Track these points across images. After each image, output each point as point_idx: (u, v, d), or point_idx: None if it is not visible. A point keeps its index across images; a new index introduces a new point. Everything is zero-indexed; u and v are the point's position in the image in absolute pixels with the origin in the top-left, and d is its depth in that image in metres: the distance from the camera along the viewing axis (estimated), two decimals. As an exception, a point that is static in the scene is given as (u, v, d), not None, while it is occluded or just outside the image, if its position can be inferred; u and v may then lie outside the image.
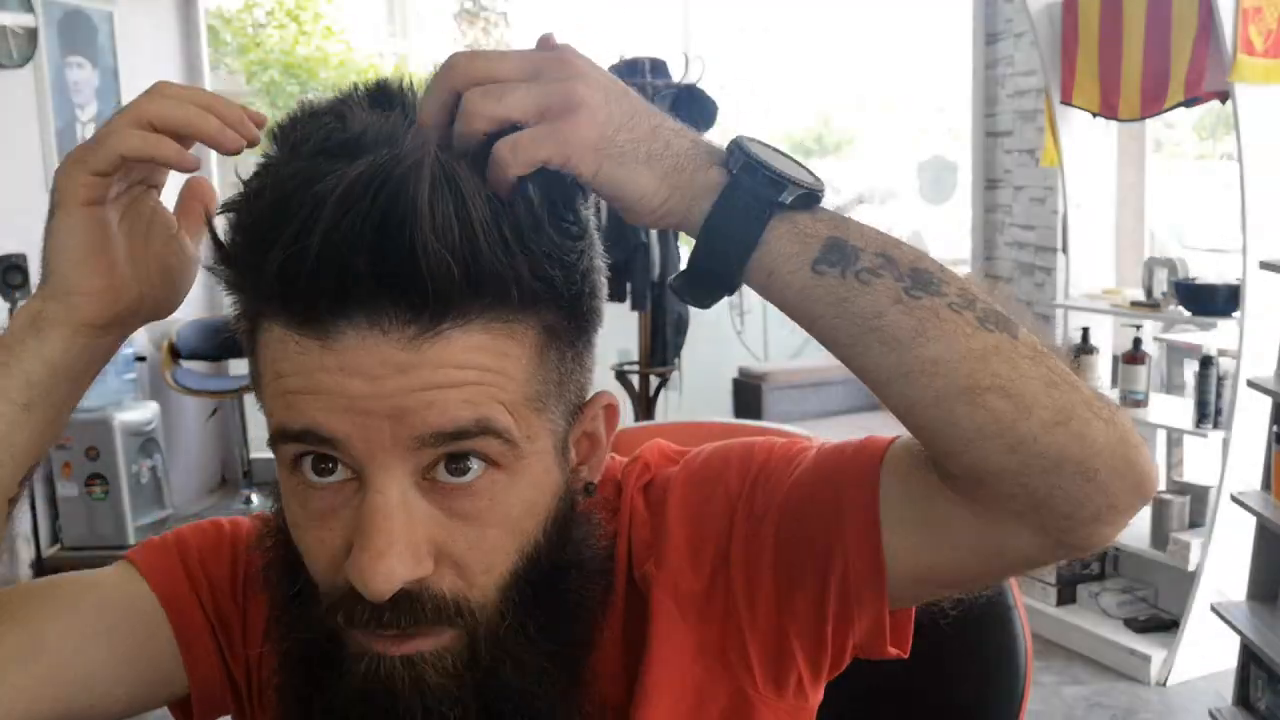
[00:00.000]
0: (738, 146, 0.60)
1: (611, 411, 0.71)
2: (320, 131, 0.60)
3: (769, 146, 0.61)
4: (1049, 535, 0.62)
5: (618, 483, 0.77)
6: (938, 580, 0.68)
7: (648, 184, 0.59)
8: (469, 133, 0.59)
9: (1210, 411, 3.17)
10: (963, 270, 0.62)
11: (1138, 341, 3.43)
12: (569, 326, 0.64)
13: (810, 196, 0.60)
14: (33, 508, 3.81)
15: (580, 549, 0.68)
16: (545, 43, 0.62)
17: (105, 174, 0.62)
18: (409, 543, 0.59)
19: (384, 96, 0.63)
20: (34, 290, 0.66)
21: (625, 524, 0.74)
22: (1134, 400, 3.44)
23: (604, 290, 0.68)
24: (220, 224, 0.63)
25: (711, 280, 0.61)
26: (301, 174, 0.57)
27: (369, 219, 0.55)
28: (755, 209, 0.59)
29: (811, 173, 0.61)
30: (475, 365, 0.59)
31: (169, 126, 0.63)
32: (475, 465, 0.61)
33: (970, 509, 0.63)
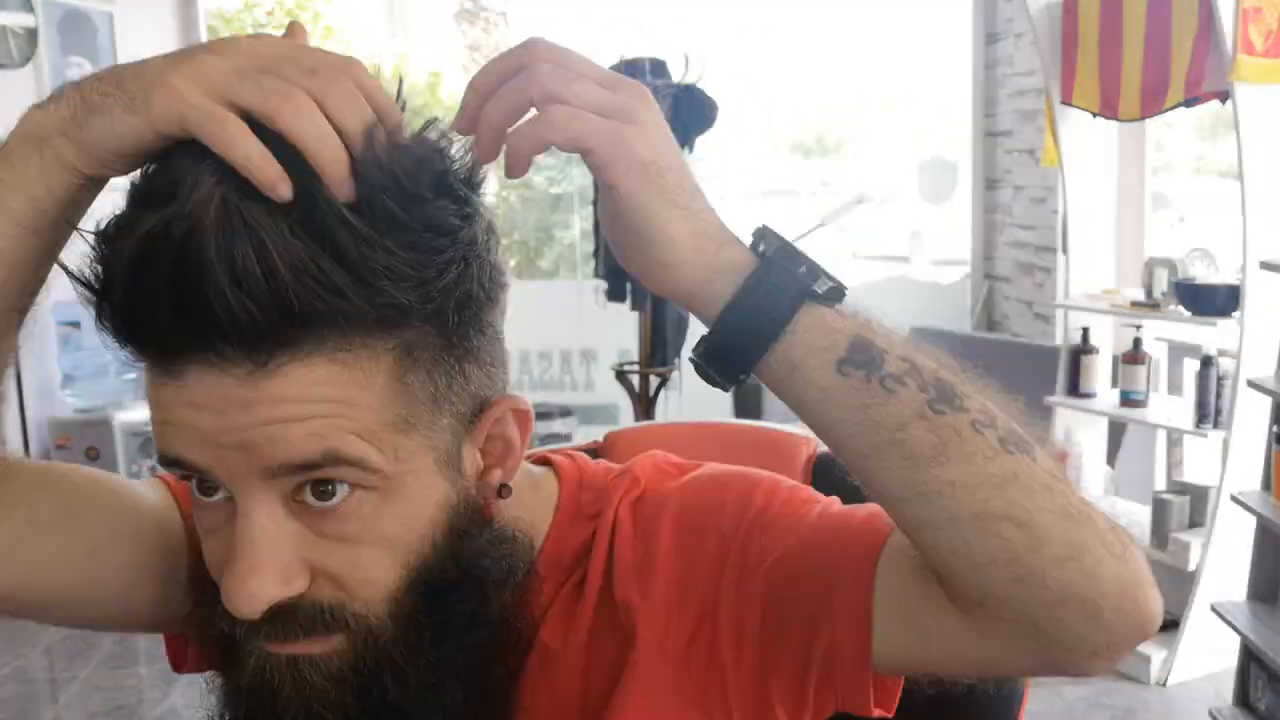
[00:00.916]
0: (768, 231, 0.59)
1: (521, 415, 0.69)
2: (144, 176, 0.59)
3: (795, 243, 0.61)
4: (1043, 660, 0.61)
5: (601, 490, 0.76)
6: (924, 672, 0.67)
7: (678, 232, 0.57)
8: (519, 100, 0.57)
9: (1210, 411, 3.17)
10: (979, 384, 0.61)
11: (1138, 341, 3.43)
12: (437, 341, 0.62)
13: (838, 291, 0.59)
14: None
15: (478, 560, 0.67)
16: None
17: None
18: (275, 565, 0.60)
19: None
20: (51, 98, 0.61)
21: (607, 535, 0.74)
22: (1134, 400, 3.44)
23: (494, 291, 0.65)
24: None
25: (727, 364, 0.59)
26: (107, 229, 0.58)
27: (161, 275, 0.55)
28: (786, 295, 0.57)
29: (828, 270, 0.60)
30: (318, 398, 0.58)
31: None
32: (341, 489, 0.60)
33: (968, 624, 0.62)
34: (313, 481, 0.60)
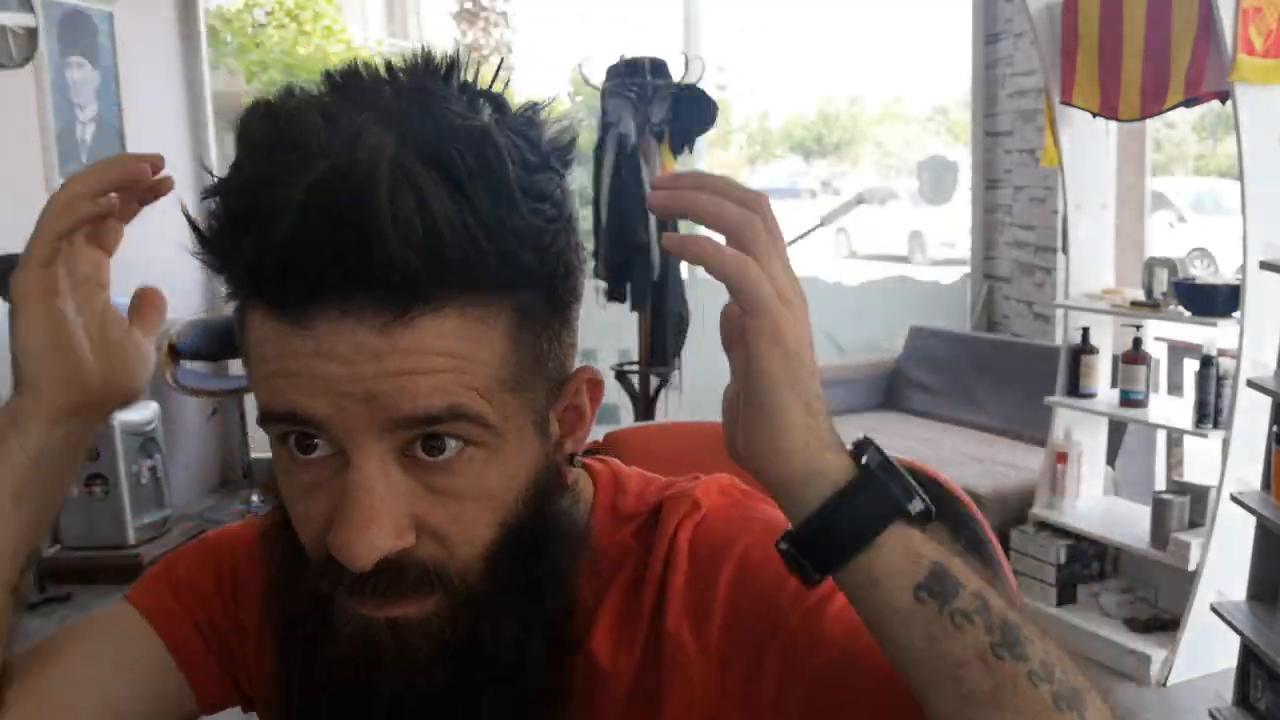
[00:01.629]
0: (870, 443, 0.60)
1: (594, 386, 0.72)
2: (278, 129, 0.60)
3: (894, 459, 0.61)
4: None
5: (655, 509, 0.76)
6: None
7: (795, 423, 0.59)
8: (725, 219, 0.59)
9: (1210, 411, 3.17)
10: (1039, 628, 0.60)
11: (1138, 341, 3.43)
12: (545, 306, 0.65)
13: (928, 513, 0.59)
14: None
15: (561, 520, 0.70)
16: None
17: (50, 263, 0.67)
18: (390, 516, 0.61)
19: (354, 85, 0.63)
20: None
21: (663, 556, 0.74)
22: (1134, 400, 3.44)
23: (582, 267, 0.68)
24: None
25: (810, 564, 0.60)
26: (265, 174, 0.59)
27: (332, 221, 0.56)
28: (881, 511, 0.58)
29: (921, 490, 0.61)
30: (447, 352, 0.60)
31: (87, 192, 0.67)
32: (452, 444, 0.62)
33: None
34: (424, 437, 0.61)
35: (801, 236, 5.86)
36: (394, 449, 0.61)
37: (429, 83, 0.63)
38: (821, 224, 5.44)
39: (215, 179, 0.62)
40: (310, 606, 0.66)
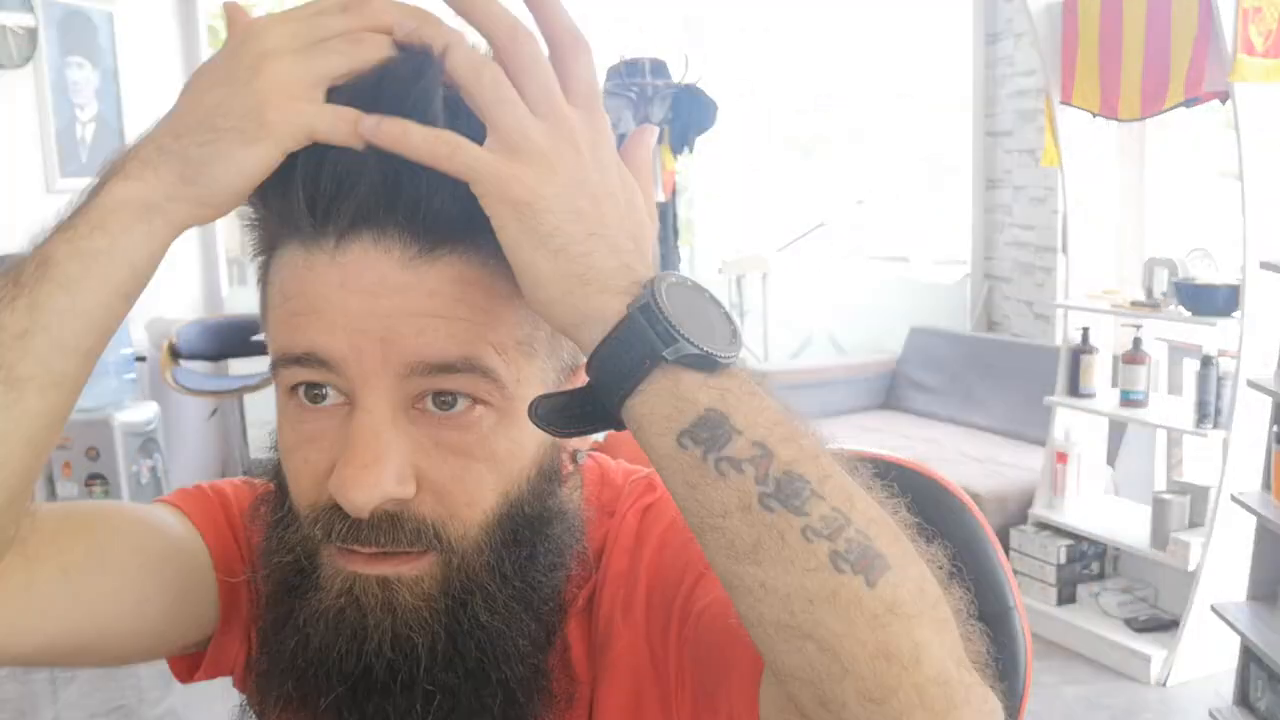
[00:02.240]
0: (653, 284, 0.56)
1: None
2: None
3: (700, 292, 0.58)
4: None
5: (619, 489, 0.77)
6: None
7: (543, 272, 0.57)
8: (465, 60, 0.58)
9: (1210, 411, 3.17)
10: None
11: (1138, 341, 3.43)
12: None
13: (704, 359, 0.55)
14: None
15: (563, 504, 0.69)
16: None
17: (322, 91, 0.60)
18: (395, 461, 0.61)
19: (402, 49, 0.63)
20: (133, 169, 0.60)
21: (613, 539, 0.74)
22: (1134, 400, 3.44)
23: None
24: None
25: (596, 410, 0.58)
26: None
27: (376, 148, 0.57)
28: (638, 355, 0.55)
29: (732, 334, 0.57)
30: (468, 300, 0.60)
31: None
32: (463, 401, 0.62)
33: None
34: (435, 392, 0.61)
35: (800, 238, 5.86)
36: (405, 399, 0.61)
37: None
38: (820, 224, 5.44)
39: None
40: (300, 562, 0.65)
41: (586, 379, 0.61)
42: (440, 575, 0.64)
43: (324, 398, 0.63)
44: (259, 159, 0.59)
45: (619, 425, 0.58)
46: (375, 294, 0.59)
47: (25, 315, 0.58)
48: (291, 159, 0.59)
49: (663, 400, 0.55)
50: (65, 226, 0.60)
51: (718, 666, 0.66)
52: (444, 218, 0.59)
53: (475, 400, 0.62)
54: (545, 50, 0.59)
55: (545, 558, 0.68)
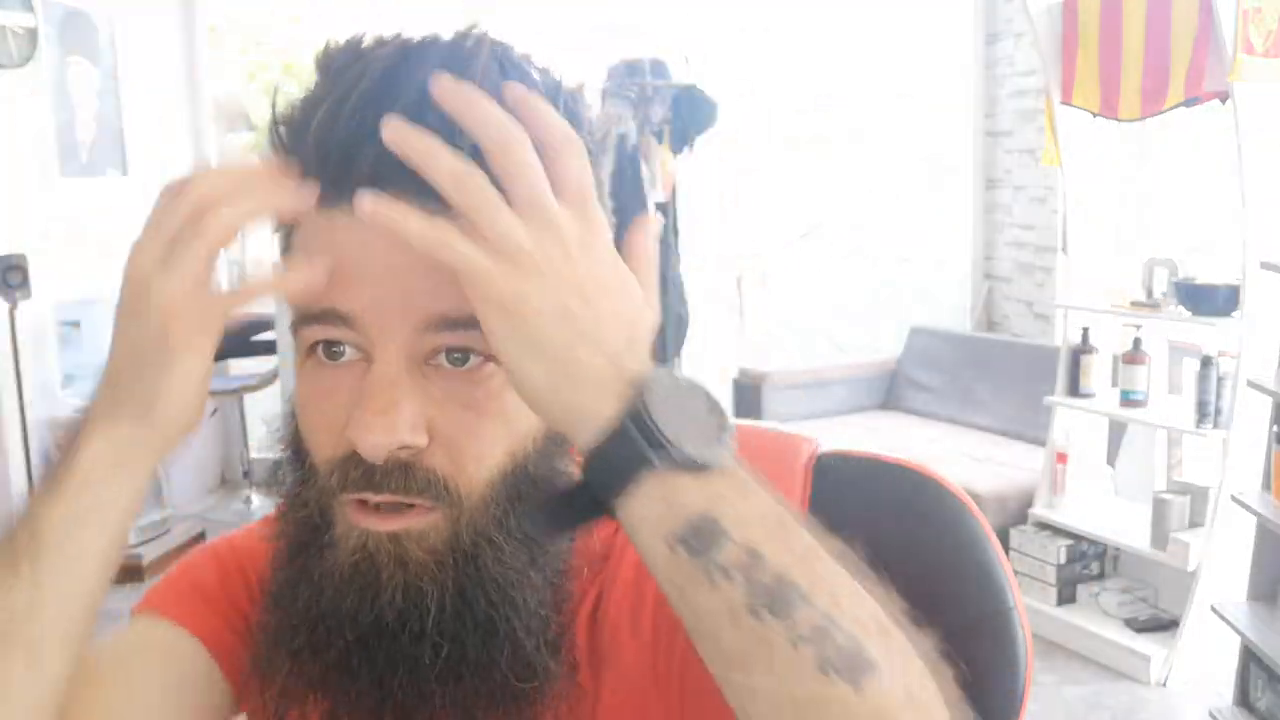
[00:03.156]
0: (644, 389, 0.57)
1: None
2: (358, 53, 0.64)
3: (692, 390, 0.59)
4: None
5: None
6: None
7: (530, 375, 0.58)
8: (483, 136, 0.59)
9: (1210, 411, 3.18)
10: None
11: (1138, 341, 3.43)
12: None
13: (692, 463, 0.56)
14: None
15: (569, 468, 0.69)
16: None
17: (206, 282, 0.62)
18: (409, 408, 0.62)
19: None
20: (95, 425, 0.63)
21: (621, 545, 0.74)
22: (1134, 400, 3.44)
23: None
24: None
25: (594, 504, 0.59)
26: (341, 66, 0.62)
27: (406, 87, 0.59)
28: (628, 460, 0.56)
29: (721, 432, 0.58)
30: None
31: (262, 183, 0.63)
32: (475, 358, 0.63)
33: None
34: (449, 348, 0.63)
35: (799, 239, 5.86)
36: (420, 354, 0.63)
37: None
38: (820, 225, 5.44)
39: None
40: (314, 519, 0.66)
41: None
42: (448, 531, 0.65)
43: (341, 354, 0.64)
44: (187, 373, 0.61)
45: (598, 519, 0.59)
46: (393, 249, 0.60)
47: (30, 590, 0.60)
48: (308, 125, 0.61)
49: (653, 505, 0.56)
50: (47, 490, 0.62)
51: (706, 702, 0.66)
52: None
53: (487, 357, 0.63)
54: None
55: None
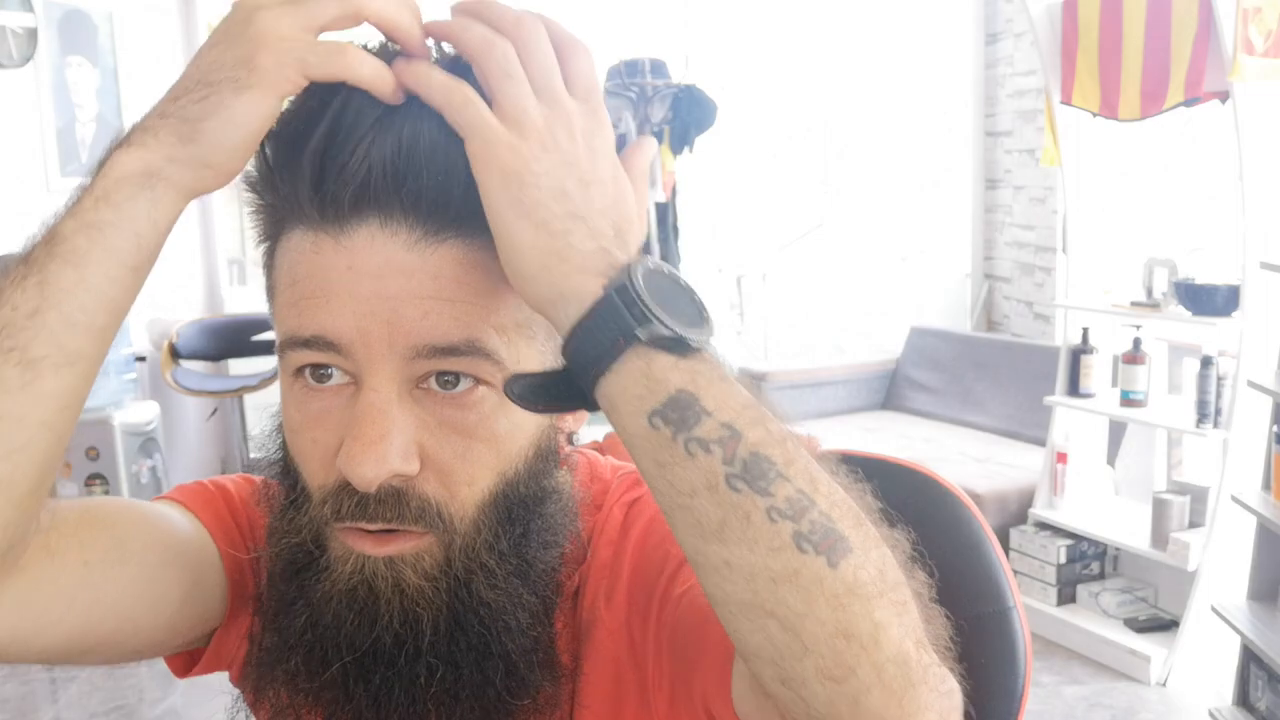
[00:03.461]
0: (630, 267, 0.57)
1: None
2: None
3: (675, 279, 0.59)
4: None
5: (606, 484, 0.78)
6: None
7: (524, 244, 0.58)
8: (471, 48, 0.60)
9: (1210, 411, 3.18)
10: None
11: (1138, 341, 3.43)
12: None
13: (676, 341, 0.56)
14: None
15: (558, 483, 0.71)
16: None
17: (314, 32, 0.61)
18: (400, 438, 0.62)
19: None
20: (135, 136, 0.60)
21: (599, 532, 0.76)
22: (1134, 400, 3.44)
23: None
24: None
25: (571, 390, 0.59)
26: (325, 96, 0.61)
27: (383, 133, 0.60)
28: (611, 335, 0.56)
29: (703, 321, 0.58)
30: (472, 284, 0.62)
31: (409, 39, 0.62)
32: (465, 381, 0.64)
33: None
34: (438, 372, 0.63)
35: (798, 239, 5.86)
36: (409, 379, 0.63)
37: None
38: (819, 225, 5.44)
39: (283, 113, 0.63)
40: (307, 544, 0.66)
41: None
42: (442, 555, 0.65)
43: (329, 378, 0.64)
44: (254, 107, 0.59)
45: (592, 405, 0.59)
46: (381, 276, 0.61)
47: (36, 293, 0.58)
48: (299, 145, 0.61)
49: (635, 380, 0.56)
50: (73, 202, 0.60)
51: (693, 650, 0.67)
52: (447, 202, 0.61)
53: (478, 381, 0.64)
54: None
55: (540, 535, 0.69)
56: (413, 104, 0.61)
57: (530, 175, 0.58)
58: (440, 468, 0.64)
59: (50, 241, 0.59)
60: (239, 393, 4.80)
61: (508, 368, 0.64)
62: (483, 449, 0.65)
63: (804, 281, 5.90)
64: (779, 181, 5.90)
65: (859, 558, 0.54)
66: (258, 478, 0.81)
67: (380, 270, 0.60)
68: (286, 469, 0.69)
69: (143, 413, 4.25)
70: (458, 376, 0.63)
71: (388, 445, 0.61)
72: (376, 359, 0.62)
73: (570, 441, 0.74)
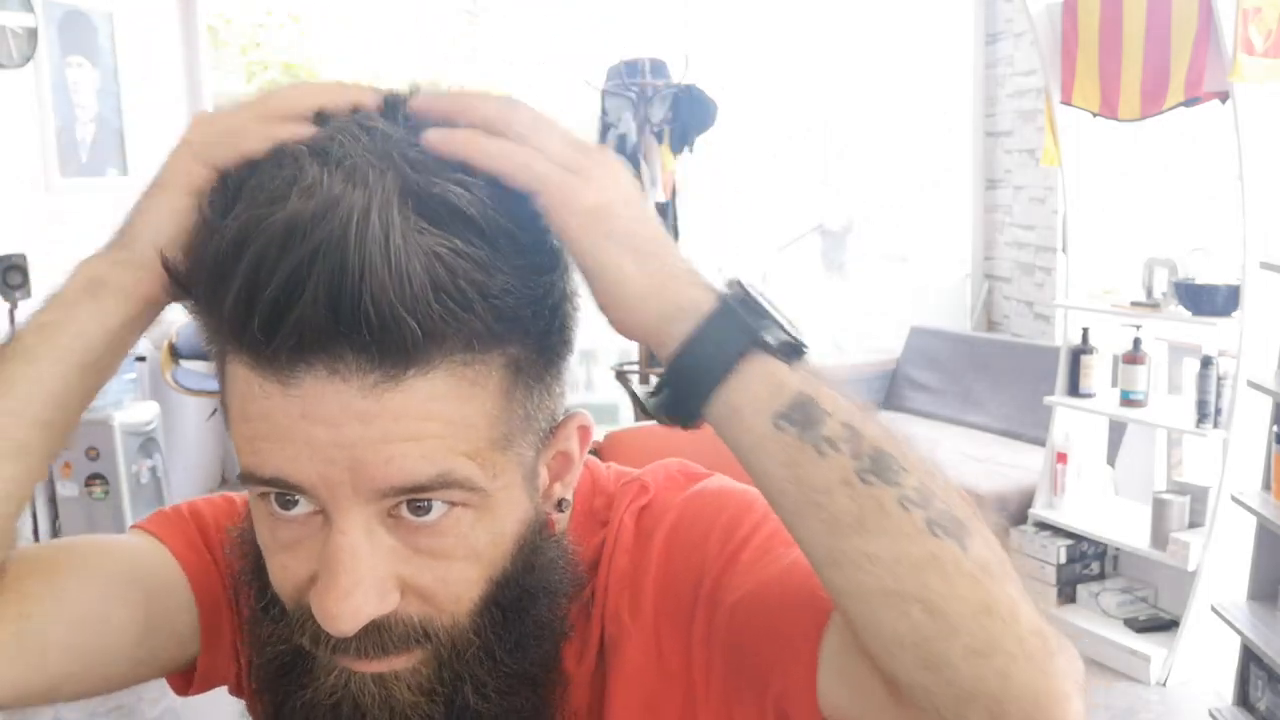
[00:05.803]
0: (741, 281, 0.60)
1: (584, 432, 0.70)
2: (279, 179, 0.58)
3: (761, 290, 0.61)
4: None
5: (611, 496, 0.77)
6: None
7: (628, 272, 0.59)
8: (495, 118, 0.60)
9: (1210, 411, 3.17)
10: (935, 454, 0.60)
11: (1138, 341, 3.43)
12: (537, 360, 0.63)
13: (793, 347, 0.59)
14: (32, 507, 3.81)
15: (549, 573, 0.68)
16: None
17: (219, 170, 0.62)
18: (374, 581, 0.60)
19: (335, 141, 0.60)
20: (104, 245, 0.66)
21: (611, 542, 0.74)
22: (1134, 400, 3.44)
23: (577, 319, 0.66)
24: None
25: (679, 404, 0.59)
26: (258, 220, 0.56)
27: (324, 270, 0.54)
28: (737, 340, 0.58)
29: (798, 327, 0.60)
30: (438, 416, 0.58)
31: (301, 110, 0.62)
32: (439, 506, 0.60)
33: (893, 702, 0.60)
34: (410, 499, 0.60)
35: (798, 239, 5.86)
36: (379, 512, 0.60)
37: (406, 133, 0.60)
38: (819, 225, 5.43)
39: (200, 225, 0.61)
40: (290, 654, 0.65)
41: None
42: (434, 665, 0.64)
43: (295, 504, 0.61)
44: (165, 204, 0.63)
45: (685, 422, 0.60)
46: (338, 424, 0.57)
47: None
48: (229, 271, 0.56)
49: (760, 384, 0.57)
50: (42, 304, 0.65)
51: (767, 651, 0.66)
52: (401, 336, 0.55)
53: (451, 505, 0.61)
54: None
55: (536, 628, 0.67)
56: (339, 214, 0.55)
57: (613, 206, 0.59)
58: (422, 592, 0.62)
59: (12, 338, 0.64)
60: (239, 393, 4.79)
61: (484, 487, 0.61)
62: (464, 567, 0.63)
63: (803, 281, 5.90)
64: (779, 181, 5.90)
65: (981, 539, 0.56)
66: (239, 497, 0.80)
67: (335, 418, 0.56)
68: (259, 570, 0.67)
69: (143, 413, 4.24)
70: (430, 504, 0.60)
71: (363, 594, 0.59)
72: (342, 500, 0.59)
73: (560, 507, 0.71)
